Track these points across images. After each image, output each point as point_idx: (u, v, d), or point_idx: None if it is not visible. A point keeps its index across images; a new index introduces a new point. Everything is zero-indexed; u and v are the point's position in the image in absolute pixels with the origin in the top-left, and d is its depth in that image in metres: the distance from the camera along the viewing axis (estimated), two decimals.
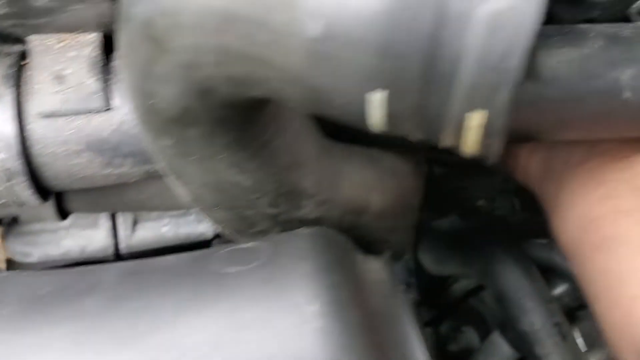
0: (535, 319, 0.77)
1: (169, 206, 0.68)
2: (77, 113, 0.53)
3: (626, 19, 0.64)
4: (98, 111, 0.54)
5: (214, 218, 0.52)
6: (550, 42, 0.62)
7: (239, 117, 0.42)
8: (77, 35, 0.54)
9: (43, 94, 0.53)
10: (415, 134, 0.35)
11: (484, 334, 0.95)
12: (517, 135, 0.64)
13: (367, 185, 0.58)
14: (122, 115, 0.54)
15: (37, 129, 0.53)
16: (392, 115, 0.34)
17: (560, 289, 0.91)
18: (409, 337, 0.47)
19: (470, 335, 1.00)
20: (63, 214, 0.68)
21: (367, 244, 0.62)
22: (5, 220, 0.75)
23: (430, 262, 0.95)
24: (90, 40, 0.54)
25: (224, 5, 0.34)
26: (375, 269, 0.53)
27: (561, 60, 0.61)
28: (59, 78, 0.53)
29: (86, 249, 0.80)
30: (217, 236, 0.76)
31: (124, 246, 0.80)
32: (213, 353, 0.37)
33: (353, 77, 0.33)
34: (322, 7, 0.31)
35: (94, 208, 0.69)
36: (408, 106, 0.33)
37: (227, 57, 0.35)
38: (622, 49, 0.62)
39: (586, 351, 0.89)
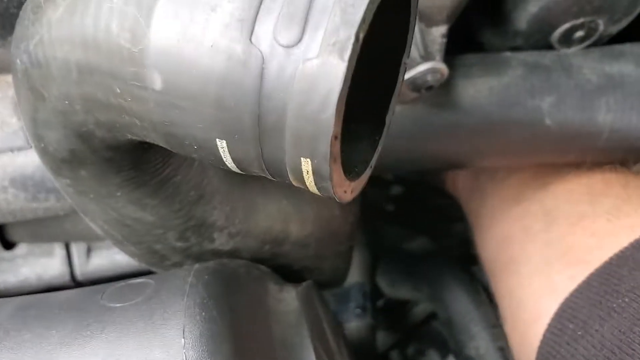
0: (480, 343, 0.78)
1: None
2: (1, 151, 0.56)
3: (550, 46, 0.66)
4: (21, 149, 0.56)
5: (127, 252, 0.54)
6: (471, 71, 0.63)
7: (128, 157, 0.44)
8: (1, 77, 0.57)
9: None
10: (267, 176, 0.37)
11: (446, 356, 0.96)
12: (440, 165, 0.66)
13: (285, 216, 0.59)
14: None
15: None
16: (237, 160, 0.36)
17: None
18: None
19: (432, 358, 1.01)
20: (7, 244, 0.70)
21: (296, 272, 0.64)
22: None
23: (385, 285, 0.97)
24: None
25: (81, 58, 0.36)
26: (287, 298, 0.55)
27: (480, 89, 0.63)
28: None
29: (43, 277, 0.82)
30: None
31: (79, 273, 0.82)
32: None
33: (198, 126, 0.35)
34: (161, 62, 0.33)
35: (35, 239, 0.72)
36: (248, 153, 0.35)
37: (94, 104, 0.38)
38: (542, 77, 0.64)
39: None
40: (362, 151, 0.41)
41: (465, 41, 0.70)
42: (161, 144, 0.38)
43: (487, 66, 0.64)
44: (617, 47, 0.66)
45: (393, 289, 0.97)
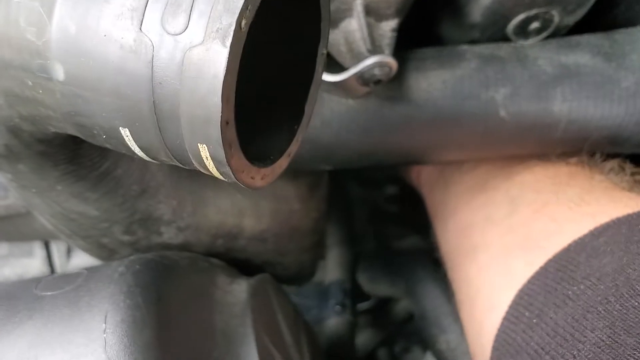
0: (451, 337, 0.78)
1: None
2: None
3: (506, 38, 0.66)
4: None
5: (78, 247, 0.56)
6: (424, 64, 0.64)
7: (62, 151, 0.46)
8: None
9: None
10: (173, 163, 0.38)
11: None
12: (396, 160, 0.66)
13: (239, 210, 0.60)
14: None
15: None
16: (144, 148, 0.37)
17: None
18: (248, 356, 0.50)
19: (417, 355, 1.01)
20: None
21: (257, 267, 0.65)
22: None
23: (365, 282, 0.97)
24: None
25: None
26: (235, 290, 0.56)
27: (433, 82, 0.63)
28: None
29: (24, 277, 0.85)
30: None
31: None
32: None
33: (102, 115, 0.36)
34: (62, 54, 0.35)
35: (9, 237, 0.74)
36: (152, 141, 0.36)
37: (14, 99, 0.39)
38: (497, 69, 0.64)
39: None
40: (280, 140, 0.42)
41: (426, 36, 0.71)
42: (77, 135, 0.39)
43: (441, 59, 0.64)
44: (574, 38, 0.66)
45: (372, 285, 0.97)
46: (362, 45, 0.58)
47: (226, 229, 0.59)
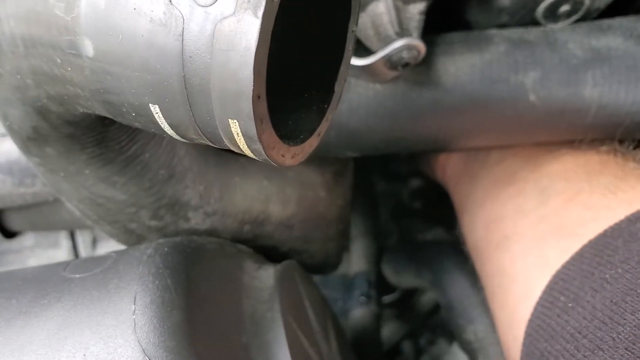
0: (479, 327, 0.77)
1: None
2: None
3: (535, 22, 0.65)
4: (5, 135, 0.58)
5: (105, 232, 0.56)
6: (452, 48, 0.63)
7: (90, 133, 0.45)
8: None
9: None
10: (203, 142, 0.38)
11: (452, 343, 0.96)
12: (424, 145, 0.65)
13: (265, 196, 0.60)
14: None
15: None
16: (173, 125, 0.36)
17: None
18: (276, 341, 0.49)
19: (442, 347, 1.00)
20: (9, 233, 0.73)
21: (283, 255, 0.65)
22: None
23: (390, 274, 0.96)
24: None
25: (25, 32, 0.37)
26: (263, 275, 0.55)
27: (461, 66, 0.62)
28: None
29: None
30: None
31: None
32: (43, 349, 0.40)
33: (131, 91, 0.35)
34: (91, 29, 0.34)
35: (36, 227, 0.74)
36: (182, 117, 0.35)
37: (42, 77, 0.39)
38: (526, 53, 0.63)
39: None
40: (310, 119, 0.41)
41: (453, 21, 0.70)
42: (105, 114, 0.39)
43: (469, 43, 0.63)
44: (606, 22, 0.65)
45: (397, 277, 0.96)
46: (389, 29, 0.57)
47: (253, 215, 0.59)
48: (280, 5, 0.32)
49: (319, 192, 0.64)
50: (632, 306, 0.46)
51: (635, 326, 0.45)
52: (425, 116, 0.63)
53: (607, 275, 0.52)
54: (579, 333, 0.49)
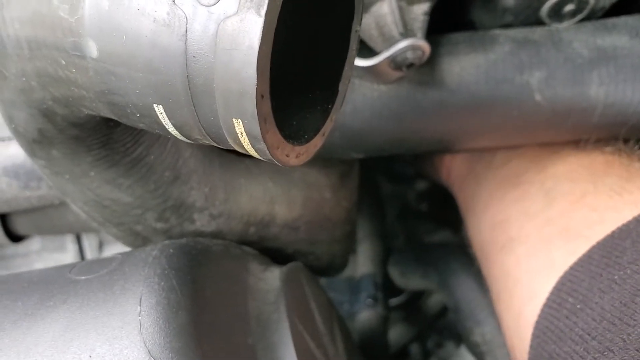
0: (486, 329, 0.77)
1: None
2: None
3: (540, 22, 0.64)
4: (12, 138, 0.58)
5: (111, 234, 0.56)
6: (457, 48, 0.63)
7: (95, 135, 0.45)
8: None
9: None
10: (207, 142, 0.38)
11: (460, 346, 0.95)
12: (430, 146, 0.65)
13: (271, 198, 0.60)
14: None
15: None
16: (178, 126, 0.36)
17: None
18: (283, 343, 0.49)
19: (450, 349, 1.00)
20: (15, 237, 0.73)
21: (289, 257, 0.64)
22: None
23: (396, 276, 0.96)
24: None
25: (30, 34, 0.37)
26: (268, 277, 0.55)
27: (466, 66, 0.62)
28: None
29: None
30: None
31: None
32: (49, 350, 0.40)
33: (135, 92, 0.35)
34: (95, 30, 0.34)
35: (42, 231, 0.74)
36: (186, 117, 0.35)
37: (47, 79, 0.39)
38: (531, 52, 0.63)
39: None
40: (315, 119, 0.41)
41: (457, 21, 0.70)
42: (110, 116, 0.39)
43: (473, 43, 0.63)
44: (611, 20, 0.64)
45: (404, 279, 0.96)
46: (394, 29, 0.57)
47: (258, 217, 0.59)
48: (284, 5, 0.32)
49: (324, 194, 0.64)
50: None
51: None
52: (430, 117, 0.63)
53: (616, 277, 0.51)
54: (588, 335, 0.49)
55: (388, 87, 0.61)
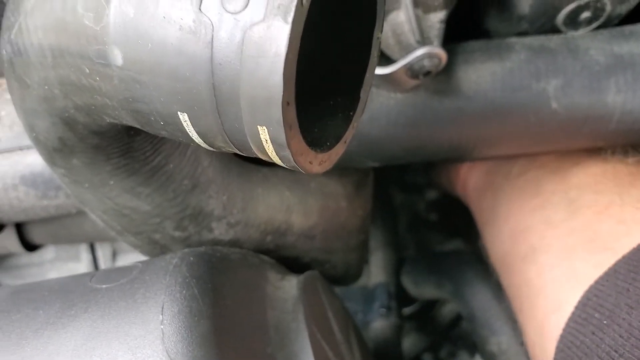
0: (502, 339, 0.76)
1: None
2: (11, 150, 0.58)
3: (556, 30, 0.64)
4: (30, 147, 0.58)
5: (129, 243, 0.56)
6: (473, 56, 0.63)
7: (115, 144, 0.45)
8: None
9: None
10: (230, 150, 0.38)
11: (474, 355, 0.95)
12: (446, 154, 0.65)
13: (287, 207, 0.60)
14: None
15: None
16: (202, 133, 0.36)
17: None
18: (302, 352, 0.49)
19: (464, 359, 0.99)
20: (31, 246, 0.73)
21: (305, 265, 0.64)
22: None
23: (410, 285, 0.96)
24: None
25: (53, 42, 0.37)
26: (286, 286, 0.55)
27: (483, 74, 0.62)
28: None
29: None
30: None
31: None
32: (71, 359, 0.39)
33: (160, 100, 0.35)
34: (120, 38, 0.34)
35: (58, 240, 0.74)
36: (210, 125, 0.35)
37: (70, 88, 0.39)
38: (548, 60, 0.62)
39: None
40: (336, 126, 0.41)
41: (473, 30, 0.70)
42: (133, 124, 0.39)
43: (489, 51, 0.63)
44: (628, 28, 0.64)
45: (418, 288, 0.96)
46: (410, 37, 0.57)
47: (275, 225, 0.59)
48: (308, 12, 0.32)
49: (340, 203, 0.64)
50: None
51: None
52: (447, 124, 0.62)
53: None
54: (615, 352, 0.49)
55: (404, 95, 0.61)
